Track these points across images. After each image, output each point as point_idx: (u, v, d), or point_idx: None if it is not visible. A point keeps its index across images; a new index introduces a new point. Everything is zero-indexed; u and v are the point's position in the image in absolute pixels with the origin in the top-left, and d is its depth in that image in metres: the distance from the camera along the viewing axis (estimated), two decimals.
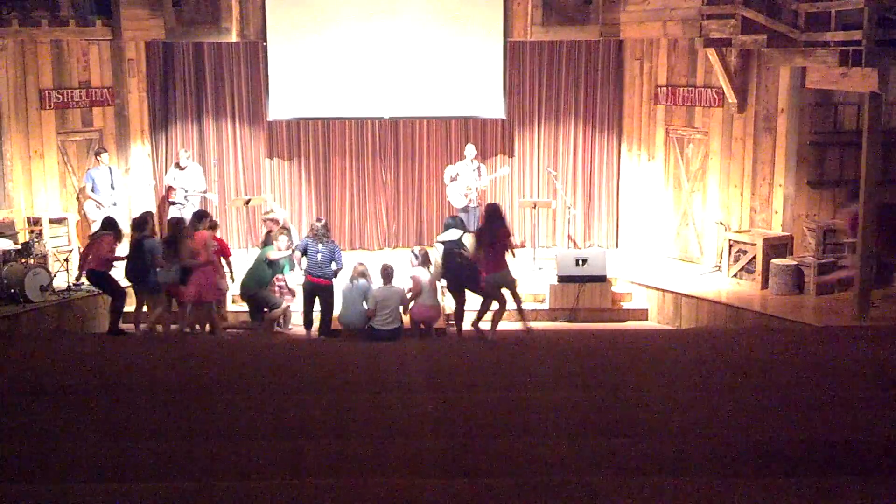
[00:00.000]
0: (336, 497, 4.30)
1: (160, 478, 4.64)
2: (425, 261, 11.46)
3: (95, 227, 12.98)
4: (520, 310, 11.23)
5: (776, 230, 13.27)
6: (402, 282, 11.55)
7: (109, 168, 14.25)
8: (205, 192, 14.73)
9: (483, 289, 11.05)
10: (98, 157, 14.15)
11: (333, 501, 4.27)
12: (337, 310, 11.67)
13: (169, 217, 13.59)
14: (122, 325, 11.80)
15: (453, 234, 11.50)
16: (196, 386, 7.42)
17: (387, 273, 11.21)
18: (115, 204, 13.99)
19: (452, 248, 11.34)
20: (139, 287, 11.56)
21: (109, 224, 11.89)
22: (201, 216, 11.89)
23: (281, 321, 12.04)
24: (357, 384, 7.39)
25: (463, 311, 11.45)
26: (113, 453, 5.02)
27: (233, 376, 7.89)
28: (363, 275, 11.40)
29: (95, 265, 11.59)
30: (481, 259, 10.85)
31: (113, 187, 14.13)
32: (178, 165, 14.71)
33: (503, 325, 11.17)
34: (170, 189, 14.56)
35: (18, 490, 4.43)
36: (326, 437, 5.50)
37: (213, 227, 11.90)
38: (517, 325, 11.36)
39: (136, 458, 4.94)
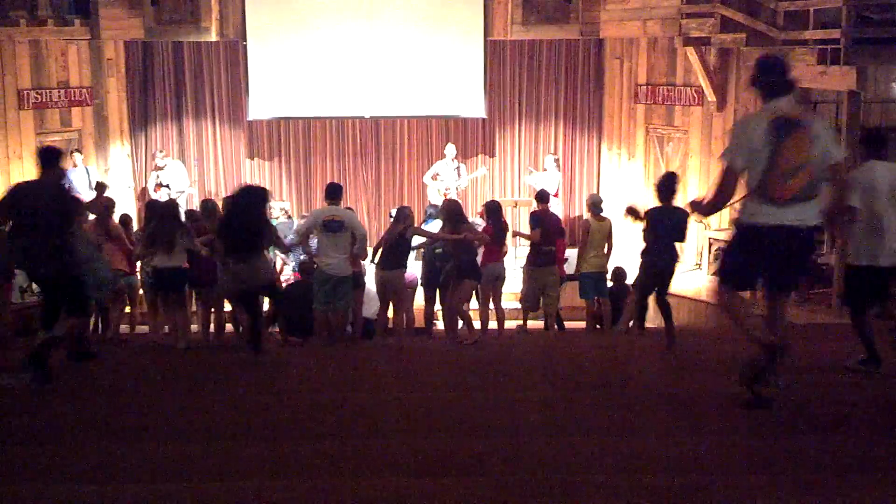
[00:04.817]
0: (323, 498, 4.29)
1: (145, 479, 4.61)
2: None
3: None
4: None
5: None
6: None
7: (86, 168, 14.14)
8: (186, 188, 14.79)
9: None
10: (72, 158, 14.00)
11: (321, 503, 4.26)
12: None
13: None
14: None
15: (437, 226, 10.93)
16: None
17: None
18: None
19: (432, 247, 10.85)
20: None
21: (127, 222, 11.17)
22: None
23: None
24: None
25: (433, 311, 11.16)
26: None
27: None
28: None
29: None
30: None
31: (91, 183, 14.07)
32: (156, 167, 14.69)
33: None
34: (157, 188, 14.57)
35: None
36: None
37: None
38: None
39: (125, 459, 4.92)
